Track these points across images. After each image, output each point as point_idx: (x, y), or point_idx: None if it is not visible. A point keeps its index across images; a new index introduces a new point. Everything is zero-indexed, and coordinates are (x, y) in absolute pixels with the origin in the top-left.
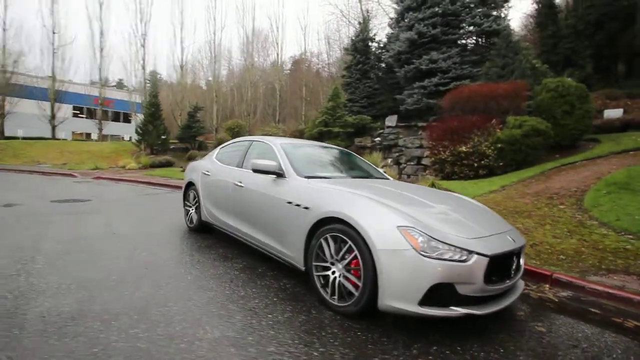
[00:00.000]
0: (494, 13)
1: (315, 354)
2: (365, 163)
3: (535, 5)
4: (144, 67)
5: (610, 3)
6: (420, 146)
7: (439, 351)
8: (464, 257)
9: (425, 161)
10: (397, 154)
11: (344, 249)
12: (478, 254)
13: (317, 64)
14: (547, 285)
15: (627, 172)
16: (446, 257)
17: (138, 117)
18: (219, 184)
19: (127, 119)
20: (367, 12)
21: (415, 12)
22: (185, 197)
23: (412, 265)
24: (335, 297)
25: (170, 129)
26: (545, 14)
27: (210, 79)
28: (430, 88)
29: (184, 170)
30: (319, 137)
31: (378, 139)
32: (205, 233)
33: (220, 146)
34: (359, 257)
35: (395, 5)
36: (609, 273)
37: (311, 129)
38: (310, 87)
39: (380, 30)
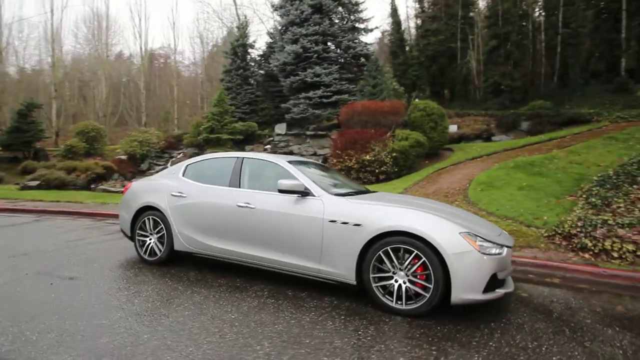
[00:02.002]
0: (363, 39)
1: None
2: (343, 177)
3: (389, 37)
4: None
5: (441, 43)
6: (314, 154)
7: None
8: (501, 251)
9: None
10: None
11: (410, 258)
12: (506, 246)
13: (185, 64)
14: None
15: (487, 174)
16: (493, 252)
17: None
18: (205, 207)
19: None
20: (245, 17)
21: (300, 28)
22: (136, 225)
23: (476, 263)
24: (402, 302)
25: None
26: (397, 45)
27: (47, 67)
28: (315, 99)
29: (21, 188)
30: (205, 144)
31: (268, 146)
32: (175, 265)
33: (186, 163)
34: (427, 263)
35: (278, 17)
36: (521, 249)
37: (194, 135)
38: (183, 88)
39: (259, 38)
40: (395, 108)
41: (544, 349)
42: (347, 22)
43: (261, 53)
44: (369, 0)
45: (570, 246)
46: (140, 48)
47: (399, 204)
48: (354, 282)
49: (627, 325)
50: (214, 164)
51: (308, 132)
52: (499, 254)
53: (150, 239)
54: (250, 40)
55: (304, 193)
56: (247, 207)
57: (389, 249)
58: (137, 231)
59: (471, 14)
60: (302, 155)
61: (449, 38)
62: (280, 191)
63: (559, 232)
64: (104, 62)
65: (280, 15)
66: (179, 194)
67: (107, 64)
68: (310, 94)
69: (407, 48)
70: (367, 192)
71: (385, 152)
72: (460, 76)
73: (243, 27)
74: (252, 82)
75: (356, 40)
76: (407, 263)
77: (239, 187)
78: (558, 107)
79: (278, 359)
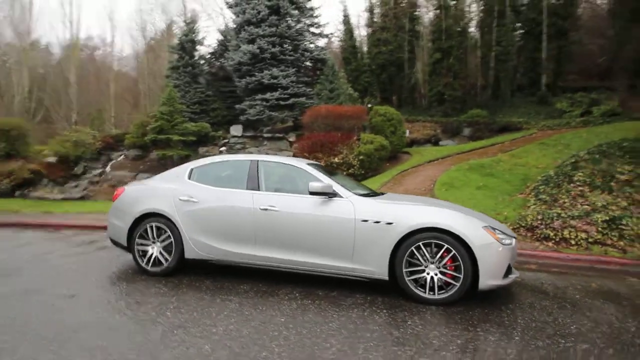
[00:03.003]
0: (320, 44)
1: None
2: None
3: (341, 43)
4: None
5: (391, 53)
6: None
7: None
8: (511, 241)
9: None
10: None
11: (441, 252)
12: (514, 237)
13: (123, 58)
14: None
15: (447, 175)
16: (507, 242)
17: None
18: (222, 211)
19: None
20: (194, 11)
21: (257, 28)
22: (135, 234)
23: (497, 253)
24: (433, 292)
25: None
26: (349, 52)
27: None
28: (272, 101)
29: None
30: (152, 145)
31: (223, 148)
32: (180, 275)
33: (190, 166)
34: (457, 255)
35: (232, 15)
36: None
37: (138, 135)
38: (120, 84)
39: (208, 35)
40: (358, 113)
41: (560, 321)
42: (303, 25)
43: (212, 51)
44: (322, 6)
45: (535, 236)
46: (71, 38)
47: (422, 203)
48: (387, 278)
49: (607, 298)
50: (225, 166)
51: (265, 135)
52: (510, 244)
53: (153, 248)
54: (200, 36)
55: (332, 195)
56: (271, 210)
57: (420, 244)
58: (137, 240)
59: (417, 27)
60: None
61: (397, 48)
62: (312, 193)
63: (523, 224)
64: (26, 52)
65: (235, 14)
66: (189, 199)
67: (29, 53)
68: (267, 95)
69: (359, 55)
70: (380, 193)
71: (353, 155)
72: (408, 85)
73: (192, 22)
74: (202, 80)
75: (312, 45)
76: (438, 256)
77: (258, 189)
78: (492, 116)
79: (354, 352)
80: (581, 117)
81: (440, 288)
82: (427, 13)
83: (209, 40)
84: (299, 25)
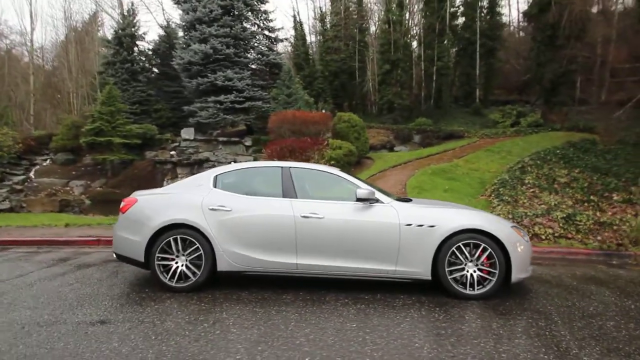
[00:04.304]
0: (275, 49)
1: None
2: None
3: (293, 49)
4: None
5: (343, 61)
6: (234, 161)
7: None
8: (528, 238)
9: None
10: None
11: (479, 250)
12: (527, 235)
13: (45, 51)
14: None
15: (415, 179)
16: (526, 239)
17: None
18: (260, 220)
19: None
20: (132, 4)
21: (209, 27)
22: (155, 248)
23: (524, 249)
24: (472, 288)
25: None
26: (302, 58)
27: None
28: (227, 104)
29: None
30: (90, 148)
31: (174, 152)
32: (207, 290)
33: (214, 173)
34: (493, 253)
35: (180, 11)
36: None
37: (69, 137)
38: (41, 79)
39: (150, 30)
40: (324, 118)
41: (577, 303)
42: (258, 28)
43: (154, 47)
44: (276, 11)
45: None
46: None
47: (455, 207)
48: (429, 278)
49: (595, 283)
50: (253, 173)
51: (220, 139)
52: (528, 240)
53: (177, 263)
54: (141, 31)
55: (374, 200)
56: (313, 217)
57: (461, 245)
58: (157, 255)
59: (366, 39)
60: (221, 163)
61: (349, 57)
62: (359, 199)
63: None
64: None
65: (183, 10)
66: (221, 208)
67: None
68: (222, 98)
69: (312, 61)
70: (405, 198)
71: (324, 160)
72: (360, 92)
73: (131, 15)
74: (143, 78)
75: (266, 49)
76: (476, 255)
77: (296, 197)
78: (436, 124)
79: (445, 348)
80: (512, 127)
81: (478, 284)
82: (375, 25)
83: (150, 35)
84: (254, 28)
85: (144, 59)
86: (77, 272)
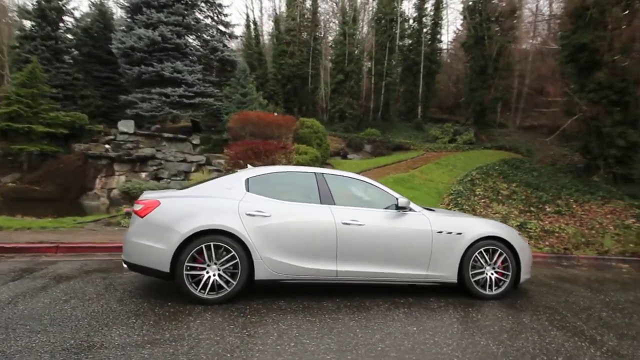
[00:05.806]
0: (230, 45)
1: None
2: None
3: (246, 49)
4: None
5: (297, 66)
6: (184, 160)
7: (534, 297)
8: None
9: (194, 176)
10: (155, 168)
11: (496, 255)
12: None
13: None
14: None
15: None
16: (527, 244)
17: None
18: (301, 226)
19: None
20: None
21: (159, 13)
22: (184, 256)
23: (528, 252)
24: (490, 289)
25: None
26: (255, 59)
27: None
28: (174, 98)
29: None
30: (2, 135)
31: (108, 146)
32: (243, 301)
33: (245, 176)
34: (508, 257)
35: None
36: None
37: None
38: None
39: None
40: (288, 122)
41: (568, 299)
42: (212, 21)
43: (84, 26)
44: (231, 6)
45: None
46: None
47: (472, 216)
48: (455, 281)
49: (569, 282)
50: (285, 178)
51: (165, 134)
52: (529, 246)
53: (208, 272)
54: (71, 6)
55: (409, 209)
56: (354, 224)
57: (482, 250)
58: (187, 264)
59: (320, 47)
60: (168, 162)
61: (303, 63)
62: (398, 208)
63: None
64: None
65: None
66: (259, 213)
67: None
68: (169, 90)
69: (265, 63)
70: (431, 207)
71: (292, 164)
72: (312, 98)
73: None
74: (69, 59)
75: (220, 44)
76: (494, 259)
77: (334, 204)
78: (384, 135)
79: (505, 344)
80: (450, 143)
81: (495, 285)
82: (329, 35)
83: (81, 10)
84: (207, 21)
85: (71, 37)
86: (60, 285)
